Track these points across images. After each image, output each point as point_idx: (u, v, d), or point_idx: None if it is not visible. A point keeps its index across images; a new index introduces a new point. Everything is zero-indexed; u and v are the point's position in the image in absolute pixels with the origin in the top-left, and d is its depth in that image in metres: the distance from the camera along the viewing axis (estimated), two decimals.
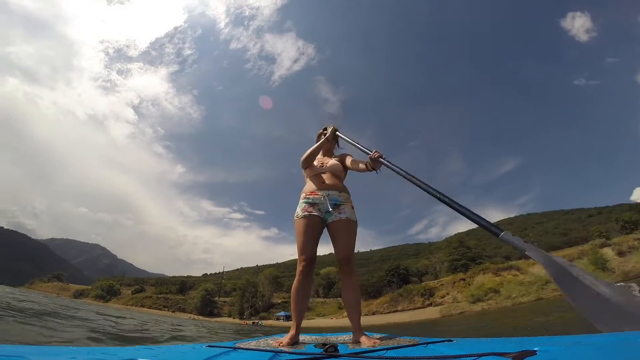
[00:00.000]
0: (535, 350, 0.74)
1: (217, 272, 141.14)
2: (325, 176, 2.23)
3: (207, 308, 49.25)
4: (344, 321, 35.79)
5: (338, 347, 1.19)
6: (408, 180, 1.66)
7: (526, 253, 1.16)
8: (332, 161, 2.33)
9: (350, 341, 1.84)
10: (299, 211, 2.11)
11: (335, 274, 62.50)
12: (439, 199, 1.50)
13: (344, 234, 2.03)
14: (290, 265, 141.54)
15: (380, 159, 1.89)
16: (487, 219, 1.30)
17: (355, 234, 2.08)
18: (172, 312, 49.59)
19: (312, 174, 2.27)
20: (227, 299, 54.40)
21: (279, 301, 52.18)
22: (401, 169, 1.74)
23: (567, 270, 1.07)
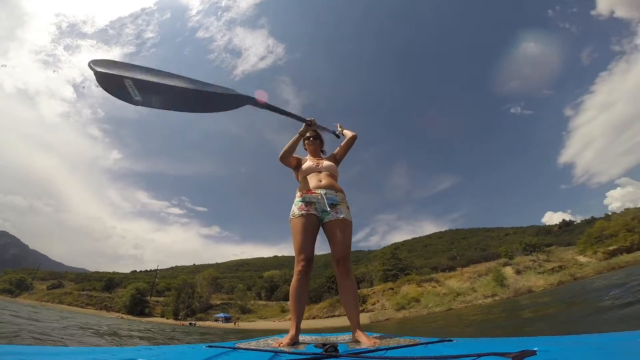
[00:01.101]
0: (535, 350, 0.74)
1: (148, 269, 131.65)
2: (321, 175, 2.25)
3: (138, 307, 45.99)
4: (286, 324, 36.81)
5: (338, 347, 1.20)
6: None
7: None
8: (327, 162, 2.37)
9: (350, 341, 1.86)
10: (295, 210, 2.09)
11: (279, 278, 62.98)
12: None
13: (342, 233, 2.02)
14: (231, 267, 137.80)
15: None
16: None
17: (352, 233, 2.10)
18: (97, 310, 45.47)
19: (309, 174, 2.27)
20: (160, 299, 51.43)
21: (218, 302, 50.90)
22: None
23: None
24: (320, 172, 2.27)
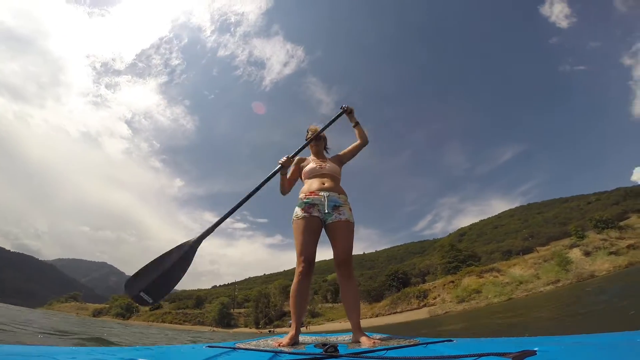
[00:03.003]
0: (535, 350, 0.73)
1: (226, 283, 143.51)
2: (324, 178, 2.25)
3: (225, 320, 52.08)
4: (350, 325, 38.61)
5: (338, 347, 1.18)
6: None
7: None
8: (330, 164, 2.36)
9: (350, 341, 1.86)
10: (298, 211, 2.11)
11: None
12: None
13: (344, 235, 2.04)
14: None
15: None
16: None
17: (354, 235, 2.10)
18: (193, 325, 52.40)
19: (312, 176, 2.29)
20: (242, 310, 57.16)
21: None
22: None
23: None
24: (323, 174, 2.28)
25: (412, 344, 1.33)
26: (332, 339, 2.15)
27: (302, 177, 2.36)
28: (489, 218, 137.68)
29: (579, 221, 54.35)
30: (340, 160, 2.50)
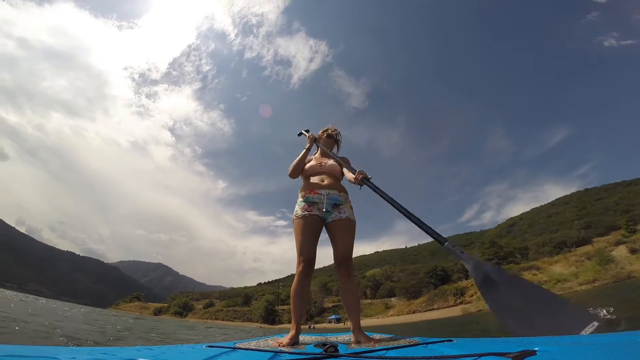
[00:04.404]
0: (535, 350, 0.73)
1: (270, 280, 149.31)
2: (324, 176, 2.24)
3: (270, 317, 54.99)
4: (390, 320, 39.14)
5: (338, 347, 1.20)
6: (389, 202, 1.78)
7: (462, 263, 1.39)
8: (330, 161, 2.35)
9: (350, 341, 1.85)
10: (298, 210, 2.10)
11: (381, 275, 65.23)
12: (413, 221, 1.70)
13: (344, 233, 2.03)
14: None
15: (365, 181, 1.96)
16: (438, 232, 1.54)
17: (354, 234, 2.09)
18: (242, 322, 55.97)
19: (312, 174, 2.28)
20: (285, 307, 59.71)
21: (330, 305, 56.22)
22: (383, 192, 1.84)
23: (491, 279, 1.28)
24: (323, 172, 2.27)
25: (412, 343, 1.34)
26: (332, 338, 2.16)
27: (303, 175, 2.36)
28: (542, 206, 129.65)
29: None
30: (341, 163, 2.37)
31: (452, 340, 1.28)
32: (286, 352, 1.18)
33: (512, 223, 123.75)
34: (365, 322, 42.11)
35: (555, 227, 79.02)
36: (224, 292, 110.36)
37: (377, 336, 1.92)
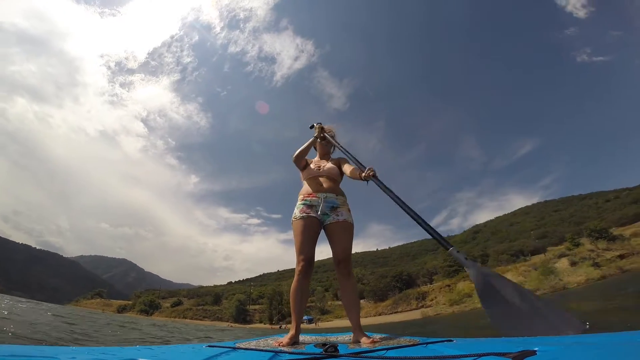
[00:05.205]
0: (535, 350, 0.73)
1: (241, 279, 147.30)
2: (322, 179, 2.28)
3: (241, 316, 54.83)
4: (362, 321, 40.56)
5: (338, 347, 1.19)
6: (396, 202, 1.75)
7: (465, 269, 1.42)
8: (329, 165, 2.37)
9: (350, 341, 1.86)
10: (296, 212, 2.16)
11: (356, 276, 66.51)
12: (420, 224, 1.66)
13: (342, 235, 2.08)
14: None
15: (373, 178, 1.93)
16: (445, 237, 1.50)
17: (352, 235, 2.13)
18: (212, 321, 55.29)
19: (310, 177, 2.32)
20: (257, 307, 59.78)
21: None
22: (391, 191, 1.80)
23: (490, 285, 1.28)
24: (321, 175, 2.30)
25: (412, 343, 1.34)
26: (332, 338, 2.17)
27: (302, 178, 2.39)
28: (505, 215, 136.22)
29: (594, 220, 53.81)
30: (340, 163, 2.45)
31: (452, 340, 1.30)
32: (286, 352, 1.20)
33: (476, 230, 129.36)
34: (335, 322, 43.31)
35: (515, 236, 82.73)
36: (192, 290, 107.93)
37: (377, 336, 1.91)
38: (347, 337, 2.12)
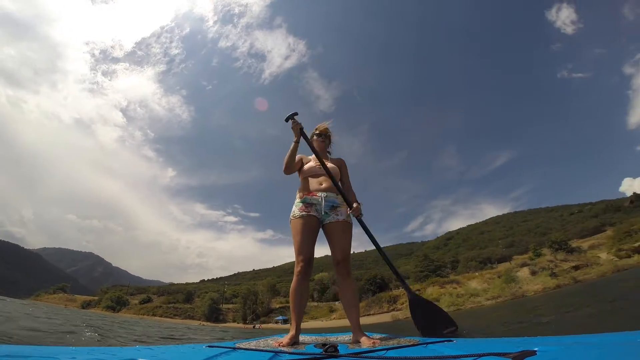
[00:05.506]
0: (535, 351, 0.74)
1: (215, 277, 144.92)
2: (322, 178, 2.24)
3: (214, 315, 53.89)
4: (333, 322, 41.14)
5: (338, 347, 1.20)
6: (375, 246, 2.18)
7: (407, 294, 2.19)
8: (329, 164, 2.31)
9: (350, 341, 1.87)
10: (295, 211, 2.12)
11: (328, 279, 67.28)
12: (387, 263, 2.27)
13: (342, 235, 2.06)
14: (287, 269, 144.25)
15: (358, 217, 2.11)
16: (402, 278, 2.26)
17: (352, 235, 2.13)
18: (183, 319, 54.03)
19: (309, 175, 2.27)
20: (230, 306, 59.02)
21: (277, 306, 56.57)
22: (371, 234, 2.10)
23: (417, 302, 2.13)
24: (321, 174, 2.26)
25: (412, 343, 1.34)
26: (332, 338, 2.17)
27: (301, 176, 2.33)
28: (476, 223, 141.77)
29: (558, 232, 57.39)
30: (340, 165, 2.43)
31: (452, 341, 1.30)
32: (286, 352, 1.20)
33: (449, 237, 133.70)
34: (310, 324, 43.66)
35: (484, 244, 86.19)
36: (162, 287, 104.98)
37: (377, 336, 1.93)
38: (347, 337, 2.13)
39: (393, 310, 37.06)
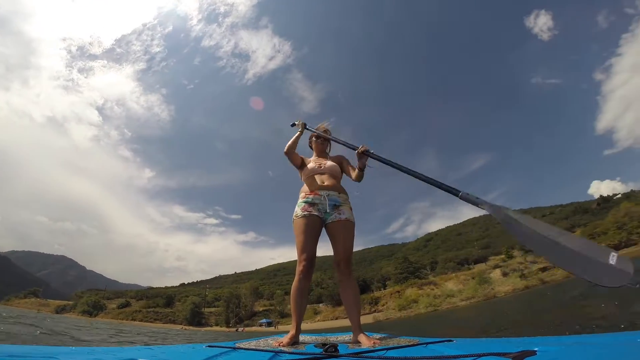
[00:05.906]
0: (535, 351, 0.73)
1: (195, 281, 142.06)
2: (324, 177, 2.25)
3: (196, 319, 53.34)
4: (317, 325, 41.79)
5: (338, 347, 1.19)
6: (398, 169, 1.82)
7: (480, 207, 1.40)
8: (330, 162, 2.34)
9: (350, 341, 1.86)
10: (298, 211, 2.11)
11: (312, 282, 67.31)
12: (426, 181, 1.72)
13: (344, 234, 2.05)
14: (270, 272, 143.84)
15: (367, 153, 2.02)
16: (448, 185, 1.58)
17: (354, 234, 2.11)
18: (164, 323, 53.16)
19: (311, 175, 2.27)
20: (213, 310, 58.49)
21: (261, 309, 56.50)
22: (389, 160, 1.90)
23: (513, 220, 1.24)
24: (323, 173, 2.27)
25: (412, 343, 1.34)
26: (332, 338, 2.17)
27: (303, 177, 2.33)
28: (454, 225, 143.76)
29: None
30: (341, 161, 2.44)
31: (452, 341, 1.30)
32: (286, 352, 1.20)
33: (428, 238, 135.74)
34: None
35: (462, 245, 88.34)
36: (141, 291, 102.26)
37: (377, 336, 1.92)
38: (347, 337, 2.13)
39: (375, 311, 37.98)
